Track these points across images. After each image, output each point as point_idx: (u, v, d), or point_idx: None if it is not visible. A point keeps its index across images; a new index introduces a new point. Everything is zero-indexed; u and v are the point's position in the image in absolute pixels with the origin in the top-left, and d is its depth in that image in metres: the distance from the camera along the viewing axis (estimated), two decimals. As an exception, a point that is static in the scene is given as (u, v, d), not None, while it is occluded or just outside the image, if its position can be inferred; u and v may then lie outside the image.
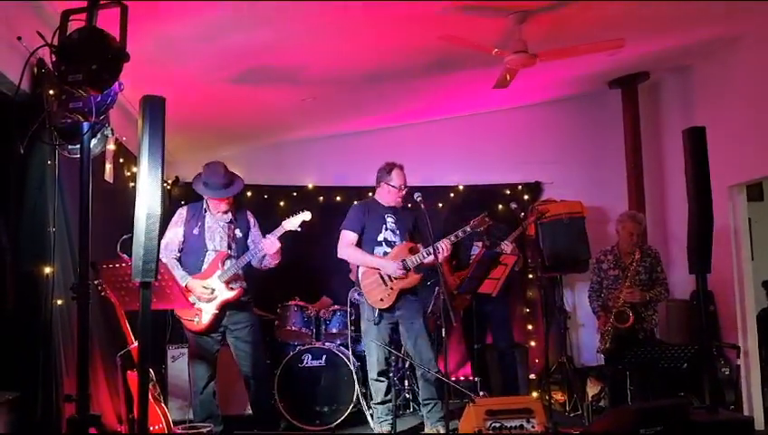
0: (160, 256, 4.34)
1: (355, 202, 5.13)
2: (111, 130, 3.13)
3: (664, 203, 6.64)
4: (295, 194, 6.50)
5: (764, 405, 5.54)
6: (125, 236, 3.67)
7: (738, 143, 5.40)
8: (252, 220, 4.68)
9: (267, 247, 4.39)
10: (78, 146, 2.92)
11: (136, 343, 3.89)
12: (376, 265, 4.61)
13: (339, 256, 4.77)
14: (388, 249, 4.69)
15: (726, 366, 5.62)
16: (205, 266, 4.43)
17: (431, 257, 4.53)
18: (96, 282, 3.87)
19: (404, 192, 4.68)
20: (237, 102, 5.33)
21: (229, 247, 4.47)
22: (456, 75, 5.43)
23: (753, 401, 5.45)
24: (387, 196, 4.76)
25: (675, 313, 6.30)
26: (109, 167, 3.99)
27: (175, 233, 4.49)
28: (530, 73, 5.02)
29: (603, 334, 5.12)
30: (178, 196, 6.12)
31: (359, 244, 4.73)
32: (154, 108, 3.08)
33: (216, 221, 4.52)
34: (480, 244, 5.55)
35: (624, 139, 6.53)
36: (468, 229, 4.68)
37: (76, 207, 3.01)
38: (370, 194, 6.26)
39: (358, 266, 4.76)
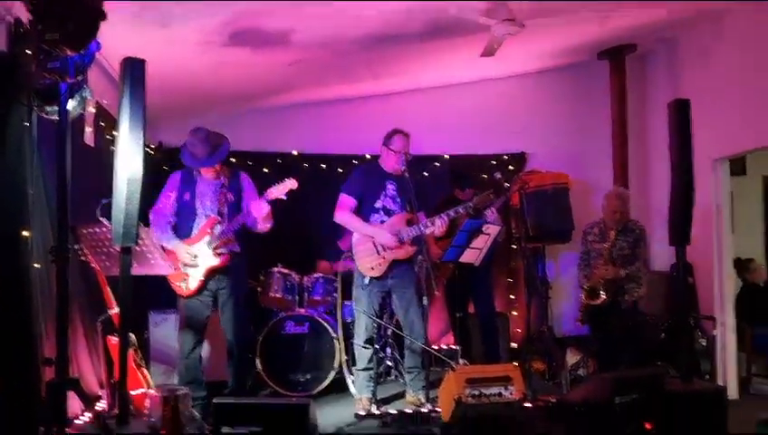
0: (153, 221, 4.38)
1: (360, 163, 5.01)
2: (90, 91, 3.08)
3: (648, 175, 6.68)
4: (280, 161, 6.45)
5: (738, 375, 5.66)
6: (105, 201, 3.63)
7: (723, 116, 5.41)
8: (245, 183, 4.61)
9: (255, 210, 4.33)
10: (56, 107, 2.87)
11: (117, 309, 3.89)
12: (370, 232, 4.61)
13: (335, 220, 4.76)
14: (386, 217, 4.68)
15: (703, 337, 5.72)
16: (195, 232, 4.41)
17: (429, 230, 4.54)
18: (76, 247, 3.84)
19: (404, 159, 4.61)
20: (223, 67, 5.25)
21: (220, 213, 4.42)
22: (443, 43, 5.38)
23: (727, 371, 5.56)
24: (387, 160, 4.74)
25: (654, 284, 6.37)
26: (89, 130, 3.94)
27: (167, 198, 4.47)
28: (517, 43, 4.99)
29: (581, 306, 5.28)
30: (162, 161, 6.05)
31: (358, 208, 4.70)
32: (135, 70, 3.05)
33: (208, 185, 4.48)
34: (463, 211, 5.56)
35: (610, 110, 6.54)
36: (470, 205, 4.68)
37: (55, 170, 2.98)
38: (364, 159, 6.31)
39: (353, 234, 4.76)
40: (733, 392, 5.42)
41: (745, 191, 6.98)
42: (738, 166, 6.70)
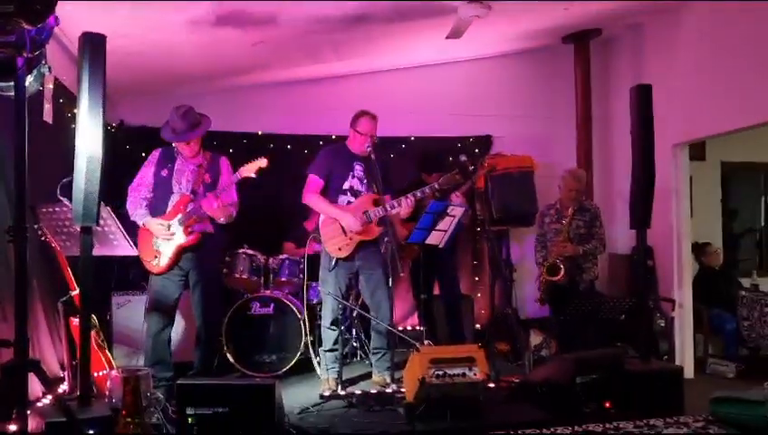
0: (130, 196, 4.39)
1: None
2: (49, 67, 2.99)
3: (611, 159, 6.77)
4: (245, 141, 6.36)
5: (695, 355, 5.82)
6: (65, 180, 3.56)
7: (684, 103, 5.51)
8: (224, 167, 4.62)
9: (205, 207, 4.33)
10: (12, 83, 2.78)
11: (78, 290, 3.83)
12: (335, 215, 4.60)
13: (303, 201, 4.76)
14: (353, 199, 4.67)
15: (662, 318, 5.86)
16: (168, 209, 4.39)
17: (395, 210, 4.54)
18: (36, 226, 3.77)
19: (370, 141, 4.60)
20: (187, 45, 5.16)
21: (194, 192, 4.41)
22: (410, 24, 5.36)
23: (684, 351, 5.71)
24: (354, 142, 4.72)
25: (616, 266, 6.51)
26: (47, 107, 3.83)
27: (145, 174, 4.48)
28: (484, 26, 5.00)
29: (540, 285, 5.36)
30: (124, 140, 5.94)
31: (325, 189, 4.69)
32: (94, 46, 2.99)
33: (187, 165, 4.49)
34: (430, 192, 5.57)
35: (575, 95, 6.60)
36: (436, 186, 4.67)
37: (12, 148, 2.90)
38: (329, 140, 6.27)
39: (320, 215, 4.75)
40: (689, 372, 5.57)
41: (704, 176, 7.13)
42: (698, 151, 6.83)
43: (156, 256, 4.37)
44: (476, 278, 6.81)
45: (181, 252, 4.38)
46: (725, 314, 6.08)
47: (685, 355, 5.70)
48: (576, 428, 1.89)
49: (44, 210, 3.74)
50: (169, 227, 4.32)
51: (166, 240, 4.34)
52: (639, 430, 1.81)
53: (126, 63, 4.85)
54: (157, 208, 4.43)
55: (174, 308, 4.52)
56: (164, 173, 4.46)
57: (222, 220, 4.47)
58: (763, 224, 7.87)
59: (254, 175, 4.42)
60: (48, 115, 3.92)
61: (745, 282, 6.68)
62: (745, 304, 5.92)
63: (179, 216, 4.35)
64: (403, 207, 4.56)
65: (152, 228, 4.34)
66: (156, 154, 4.56)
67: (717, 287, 6.29)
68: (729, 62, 5.12)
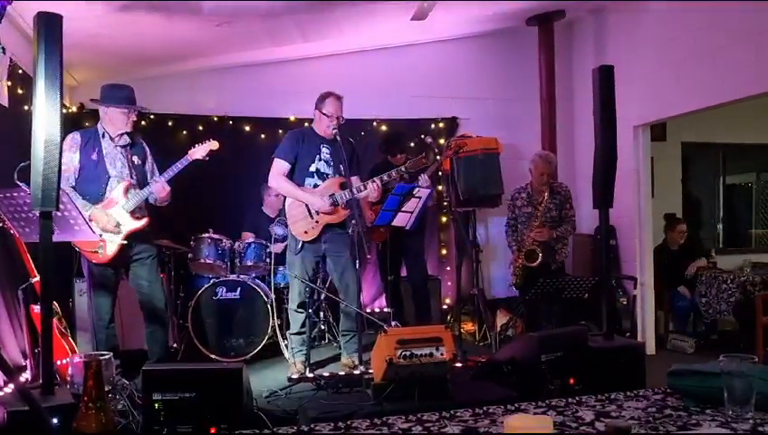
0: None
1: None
2: (3, 48, 2.91)
3: (574, 140, 6.85)
4: (201, 126, 6.23)
5: (656, 332, 5.95)
6: (22, 164, 3.47)
7: (645, 84, 5.59)
8: (147, 148, 4.50)
9: (157, 191, 4.26)
10: (-35, 65, 2.71)
11: (38, 277, 3.75)
12: (302, 198, 4.58)
13: (269, 184, 4.75)
14: (320, 181, 4.64)
15: (624, 296, 5.97)
16: (108, 196, 4.23)
17: (363, 193, 4.53)
18: (-8, 213, 3.67)
19: (335, 122, 4.56)
20: (148, 25, 5.06)
21: (131, 175, 4.29)
22: (375, 5, 5.33)
23: (646, 328, 5.84)
24: (319, 124, 4.68)
25: (580, 246, 6.61)
26: (3, 89, 3.74)
27: (70, 159, 4.16)
28: (448, 7, 4.98)
29: (515, 270, 5.39)
30: (81, 123, 5.81)
31: (291, 172, 4.66)
32: (50, 26, 2.90)
33: (114, 147, 4.30)
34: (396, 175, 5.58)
35: (539, 76, 6.64)
36: (403, 170, 4.68)
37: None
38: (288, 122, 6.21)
39: (284, 198, 4.72)
40: (651, 348, 5.70)
41: (665, 156, 7.26)
42: (659, 132, 6.95)
43: (100, 245, 4.15)
44: (443, 260, 6.86)
45: (129, 238, 4.24)
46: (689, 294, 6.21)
47: (646, 332, 5.83)
48: (540, 403, 1.93)
49: (1, 196, 3.64)
50: (117, 221, 4.17)
51: (115, 232, 4.18)
52: (601, 403, 1.85)
53: (85, 45, 4.75)
54: (88, 195, 4.20)
55: (116, 293, 4.40)
56: (94, 157, 4.22)
57: (165, 203, 4.42)
58: (721, 202, 8.06)
59: (205, 157, 4.37)
60: (3, 97, 3.83)
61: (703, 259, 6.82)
62: (703, 281, 6.06)
63: (122, 201, 4.21)
64: (369, 190, 4.55)
65: (100, 221, 4.12)
66: (77, 137, 4.26)
67: (677, 267, 6.42)
68: (688, 45, 5.20)
